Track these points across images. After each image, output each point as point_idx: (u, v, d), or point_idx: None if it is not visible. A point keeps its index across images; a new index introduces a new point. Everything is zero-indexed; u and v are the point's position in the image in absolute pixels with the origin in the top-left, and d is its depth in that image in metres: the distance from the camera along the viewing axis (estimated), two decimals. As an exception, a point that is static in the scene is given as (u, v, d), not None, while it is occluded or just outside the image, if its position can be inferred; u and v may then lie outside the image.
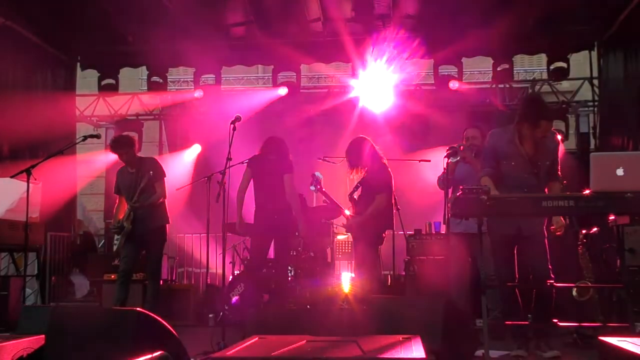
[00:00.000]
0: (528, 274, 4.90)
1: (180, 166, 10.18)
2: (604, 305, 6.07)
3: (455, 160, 5.60)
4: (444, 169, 5.44)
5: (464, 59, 9.09)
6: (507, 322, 5.14)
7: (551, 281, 4.84)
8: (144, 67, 9.99)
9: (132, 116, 10.42)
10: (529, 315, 5.00)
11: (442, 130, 9.33)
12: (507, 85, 9.73)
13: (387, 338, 3.35)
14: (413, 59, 9.38)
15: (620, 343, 3.21)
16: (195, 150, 10.23)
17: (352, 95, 9.52)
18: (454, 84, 9.03)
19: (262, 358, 2.96)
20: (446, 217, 5.20)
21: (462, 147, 5.69)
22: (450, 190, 5.42)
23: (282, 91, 9.54)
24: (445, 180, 5.16)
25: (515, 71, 9.56)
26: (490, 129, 5.22)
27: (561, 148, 5.28)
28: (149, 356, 2.81)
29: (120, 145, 6.42)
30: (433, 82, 9.49)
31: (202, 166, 9.73)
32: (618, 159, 4.26)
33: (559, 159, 5.02)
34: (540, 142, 4.82)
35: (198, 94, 9.55)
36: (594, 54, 9.05)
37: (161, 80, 9.53)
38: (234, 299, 7.20)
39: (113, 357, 3.08)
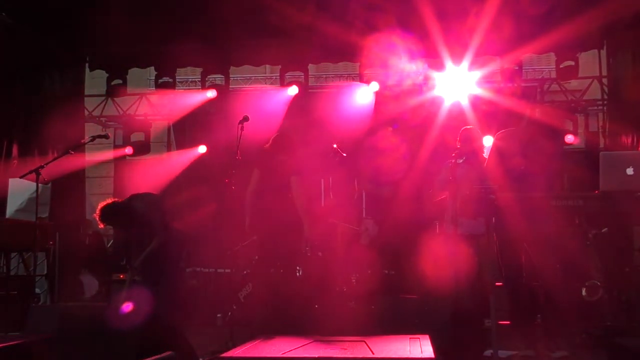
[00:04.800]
0: (536, 273, 4.89)
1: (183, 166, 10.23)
2: (613, 305, 6.04)
3: (461, 161, 5.62)
4: (451, 168, 5.43)
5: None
6: (515, 322, 5.13)
7: (559, 281, 4.83)
8: (152, 67, 10.01)
9: (141, 116, 10.44)
10: (538, 315, 4.98)
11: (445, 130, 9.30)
12: (516, 85, 9.67)
13: (395, 338, 3.35)
14: (420, 58, 9.33)
15: (629, 343, 3.20)
16: (199, 151, 10.25)
17: (359, 93, 9.50)
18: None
19: (270, 358, 2.96)
20: (453, 217, 5.19)
21: (458, 147, 5.73)
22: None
23: (292, 91, 9.55)
24: (453, 181, 5.15)
25: (523, 70, 9.51)
26: (497, 129, 5.22)
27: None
28: (158, 356, 2.82)
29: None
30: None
31: (209, 166, 9.75)
32: (628, 158, 4.25)
33: (562, 160, 5.02)
34: (546, 143, 4.81)
35: (211, 93, 9.55)
36: (603, 52, 9.00)
37: (170, 80, 9.55)
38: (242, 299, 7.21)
39: (121, 356, 3.09)
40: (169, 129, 10.98)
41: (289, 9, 7.84)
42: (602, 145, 9.14)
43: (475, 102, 9.16)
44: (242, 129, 5.48)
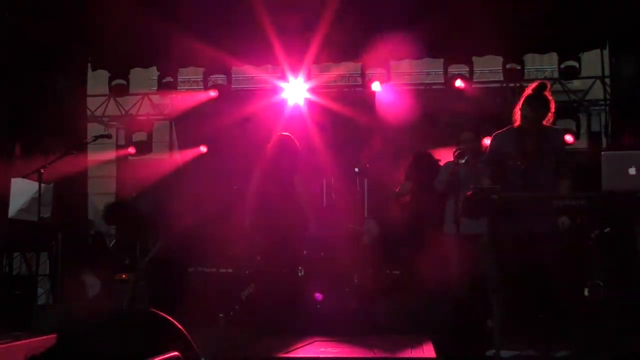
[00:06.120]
0: (538, 274, 4.88)
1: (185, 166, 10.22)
2: (616, 305, 6.03)
3: (463, 161, 5.64)
4: (454, 170, 5.44)
5: (474, 58, 9.03)
6: (517, 322, 5.12)
7: (561, 281, 4.82)
8: (154, 67, 10.02)
9: (143, 116, 10.45)
10: (540, 315, 4.97)
11: (448, 130, 9.30)
12: (518, 85, 9.66)
13: (397, 338, 3.35)
14: (423, 57, 9.34)
15: (632, 343, 3.20)
16: (201, 151, 10.25)
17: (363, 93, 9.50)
18: (460, 83, 8.99)
19: (271, 358, 2.96)
20: (454, 217, 5.19)
21: (458, 151, 5.75)
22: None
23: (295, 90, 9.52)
24: (456, 181, 5.16)
25: (525, 70, 9.50)
26: (497, 130, 5.21)
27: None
28: (162, 356, 2.82)
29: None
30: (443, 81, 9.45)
31: (210, 166, 9.76)
32: (630, 157, 4.23)
33: (566, 156, 5.01)
34: (544, 140, 4.81)
35: (213, 93, 9.56)
36: (606, 52, 8.98)
37: (172, 80, 9.56)
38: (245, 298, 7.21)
39: (125, 357, 3.09)
40: (171, 129, 10.99)
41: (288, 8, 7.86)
42: (604, 145, 9.14)
43: (476, 101, 9.17)
44: (244, 129, 5.48)
